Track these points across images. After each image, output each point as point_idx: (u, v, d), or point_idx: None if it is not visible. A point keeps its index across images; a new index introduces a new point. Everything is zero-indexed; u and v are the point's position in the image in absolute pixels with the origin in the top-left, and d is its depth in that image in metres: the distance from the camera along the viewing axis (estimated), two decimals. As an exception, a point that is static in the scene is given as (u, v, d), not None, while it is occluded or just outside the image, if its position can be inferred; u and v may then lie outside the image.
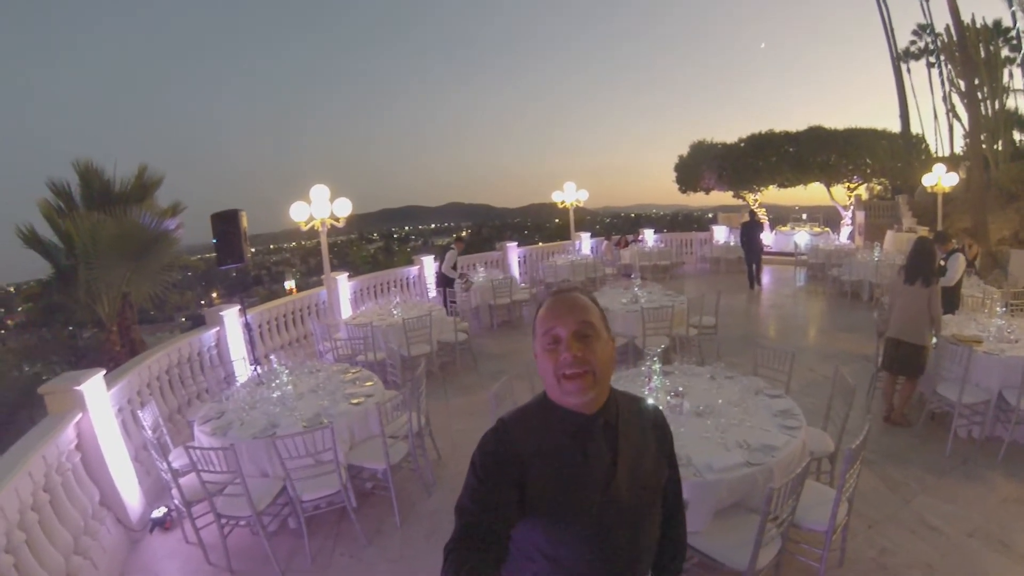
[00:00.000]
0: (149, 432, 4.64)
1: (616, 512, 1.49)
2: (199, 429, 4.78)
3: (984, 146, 18.38)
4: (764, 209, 23.60)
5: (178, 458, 4.46)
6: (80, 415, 4.51)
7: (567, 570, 1.48)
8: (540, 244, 17.52)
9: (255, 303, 8.02)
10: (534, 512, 1.45)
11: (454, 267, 11.20)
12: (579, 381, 1.43)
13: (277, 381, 5.40)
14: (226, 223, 7.18)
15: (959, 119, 26.92)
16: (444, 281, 11.37)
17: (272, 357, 5.63)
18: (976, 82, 18.63)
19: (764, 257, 14.84)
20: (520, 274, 15.38)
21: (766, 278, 14.75)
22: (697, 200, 28.32)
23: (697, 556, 3.18)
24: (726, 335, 8.72)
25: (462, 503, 1.43)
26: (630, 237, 17.81)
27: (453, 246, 11.38)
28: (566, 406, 1.50)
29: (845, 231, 21.24)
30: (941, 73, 29.91)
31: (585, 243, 17.27)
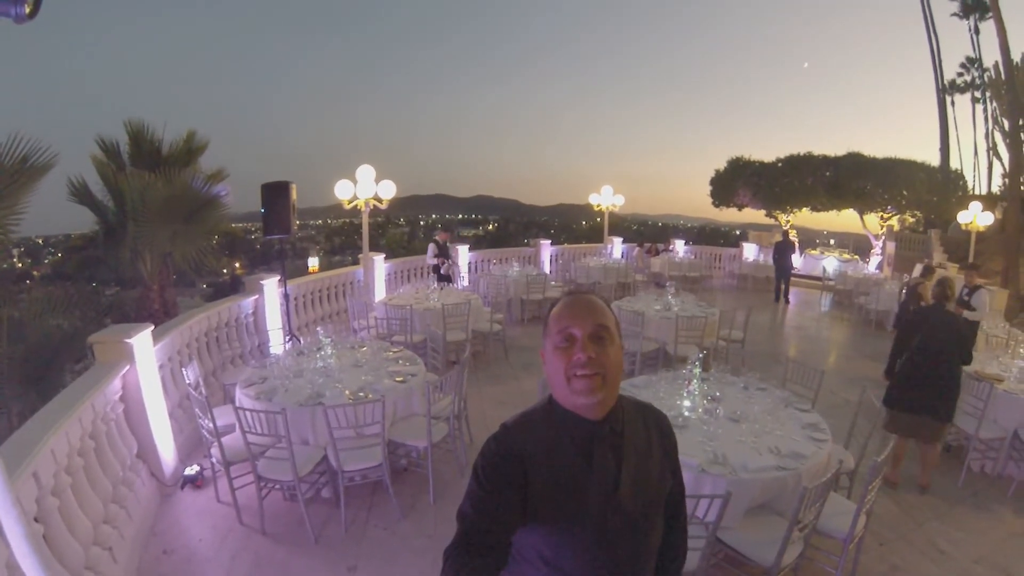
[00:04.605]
0: (192, 390, 4.79)
1: (620, 520, 1.49)
2: (242, 392, 4.91)
3: (1023, 188, 18.25)
4: (795, 231, 23.59)
5: (218, 418, 4.49)
6: (127, 367, 4.63)
7: None
8: (566, 244, 17.63)
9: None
10: (536, 518, 1.44)
11: (436, 254, 11.40)
12: (590, 381, 1.42)
13: (321, 352, 5.52)
14: (276, 194, 7.34)
15: (1000, 158, 26.61)
16: (436, 269, 11.66)
17: (319, 329, 5.84)
18: (1020, 123, 18.50)
19: (792, 279, 15.10)
20: (551, 272, 15.57)
21: (793, 299, 14.83)
22: (727, 215, 28.36)
23: (725, 550, 3.41)
24: (753, 350, 8.90)
25: (463, 509, 1.43)
26: (661, 246, 17.88)
27: (438, 236, 11.60)
28: (573, 408, 1.48)
29: (874, 260, 21.17)
30: (986, 109, 29.56)
31: (617, 247, 17.37)
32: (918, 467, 5.30)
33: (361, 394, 4.78)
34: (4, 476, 2.07)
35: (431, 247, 11.39)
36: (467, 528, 1.40)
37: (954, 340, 5.08)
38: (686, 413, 4.23)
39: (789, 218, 23.47)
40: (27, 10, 1.72)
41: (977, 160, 33.01)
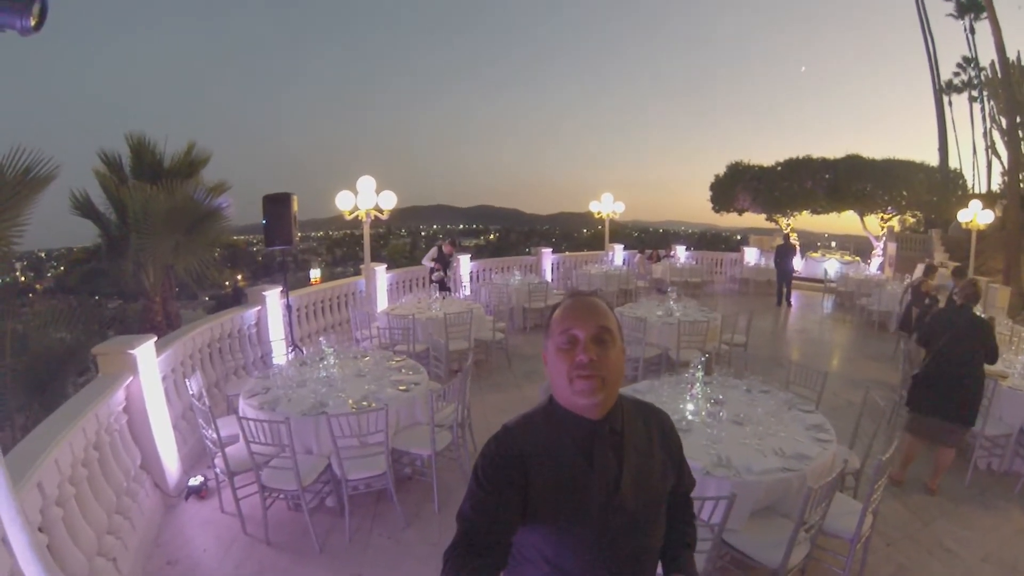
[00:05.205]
0: (196, 401, 4.77)
1: (621, 519, 1.49)
2: (245, 402, 4.90)
3: (1022, 185, 18.25)
4: (796, 234, 23.61)
5: (222, 428, 4.52)
6: (131, 378, 4.64)
7: (569, 575, 1.49)
8: (568, 252, 17.65)
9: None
10: (537, 518, 1.45)
11: (434, 259, 11.41)
12: (590, 382, 1.43)
13: (324, 362, 5.51)
14: (278, 205, 7.35)
15: (998, 156, 26.67)
16: (431, 273, 11.65)
17: (322, 339, 5.84)
18: (1018, 120, 18.52)
19: (793, 281, 15.12)
20: (553, 280, 15.55)
21: (795, 302, 14.84)
22: (728, 220, 28.46)
23: (731, 553, 3.40)
24: (755, 354, 8.88)
25: (463, 510, 1.45)
26: (662, 252, 17.88)
27: (443, 245, 11.59)
28: (574, 409, 1.49)
29: (875, 261, 21.16)
30: (983, 108, 29.65)
31: (618, 254, 17.38)
32: (928, 469, 5.26)
33: (364, 403, 4.77)
34: (9, 485, 2.07)
35: (433, 250, 11.42)
36: (467, 528, 1.42)
37: (980, 341, 5.00)
38: (689, 417, 4.23)
39: (790, 221, 23.50)
40: (32, 22, 1.73)
41: (976, 159, 33.13)
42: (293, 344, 7.81)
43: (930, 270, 9.49)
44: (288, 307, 7.96)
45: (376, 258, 11.46)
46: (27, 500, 2.77)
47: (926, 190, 21.37)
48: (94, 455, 3.97)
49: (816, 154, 23.27)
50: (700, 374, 4.54)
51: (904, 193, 21.24)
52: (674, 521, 1.73)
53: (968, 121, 32.47)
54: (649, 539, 1.59)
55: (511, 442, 1.51)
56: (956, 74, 32.47)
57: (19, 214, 6.98)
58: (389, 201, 10.18)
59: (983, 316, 5.29)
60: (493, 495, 1.42)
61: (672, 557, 1.73)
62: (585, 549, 1.48)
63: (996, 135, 25.35)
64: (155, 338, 5.03)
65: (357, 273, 11.12)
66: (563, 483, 1.47)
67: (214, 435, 4.37)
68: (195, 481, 5.03)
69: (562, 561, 1.48)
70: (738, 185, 24.10)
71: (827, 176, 22.13)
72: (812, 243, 25.47)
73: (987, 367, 5.78)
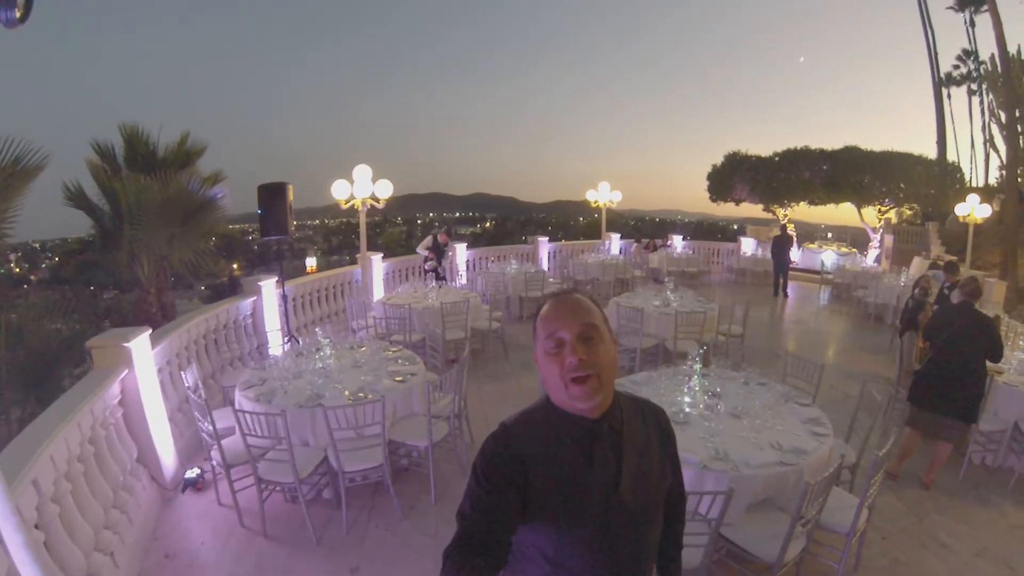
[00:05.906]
0: (192, 393, 4.75)
1: (621, 517, 1.49)
2: (241, 394, 4.88)
3: (1020, 180, 18.24)
4: (793, 225, 23.61)
5: (218, 420, 4.42)
6: (126, 371, 4.61)
7: (570, 574, 1.49)
8: (564, 241, 17.60)
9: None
10: (537, 517, 1.45)
11: (429, 248, 11.43)
12: (586, 385, 1.41)
13: (320, 353, 5.49)
14: (273, 195, 7.28)
15: (996, 150, 26.72)
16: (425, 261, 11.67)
17: (318, 330, 5.82)
18: (1017, 114, 18.50)
19: (790, 272, 15.13)
20: (549, 268, 15.53)
21: (791, 293, 14.86)
22: (725, 210, 28.26)
23: (727, 546, 3.41)
24: (752, 345, 8.89)
25: (463, 508, 1.43)
26: (659, 241, 17.88)
27: (438, 235, 11.62)
28: (571, 411, 1.48)
29: (872, 253, 21.16)
30: (982, 102, 29.68)
31: (615, 243, 17.33)
32: (924, 462, 5.27)
33: (361, 394, 4.76)
34: (3, 484, 2.06)
35: (428, 239, 11.41)
36: (467, 528, 1.40)
37: (982, 339, 4.98)
38: (687, 409, 4.23)
39: (787, 212, 23.46)
40: (18, 14, 1.70)
41: (974, 152, 33.21)
42: (289, 334, 7.79)
43: (933, 266, 9.56)
44: (284, 297, 7.94)
45: (372, 247, 11.43)
46: (23, 498, 2.76)
47: (924, 183, 21.34)
48: (90, 450, 3.95)
49: (814, 145, 23.21)
50: (698, 366, 4.54)
51: (902, 185, 21.19)
52: (670, 520, 1.73)
53: (967, 114, 32.57)
54: (649, 538, 1.59)
55: (510, 441, 1.50)
56: (956, 67, 32.53)
57: (9, 206, 6.93)
58: (385, 190, 10.11)
59: (986, 314, 5.28)
60: (493, 494, 1.41)
61: (665, 568, 1.78)
62: (585, 548, 1.47)
63: (995, 129, 25.37)
64: (150, 330, 4.99)
65: (353, 262, 11.08)
66: (563, 482, 1.46)
67: (210, 427, 4.33)
68: (192, 474, 5.02)
69: (562, 559, 1.48)
70: (736, 175, 24.01)
71: (825, 167, 22.07)
72: (809, 234, 25.42)
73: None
